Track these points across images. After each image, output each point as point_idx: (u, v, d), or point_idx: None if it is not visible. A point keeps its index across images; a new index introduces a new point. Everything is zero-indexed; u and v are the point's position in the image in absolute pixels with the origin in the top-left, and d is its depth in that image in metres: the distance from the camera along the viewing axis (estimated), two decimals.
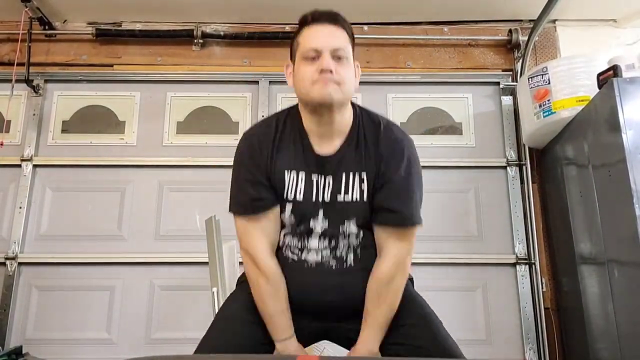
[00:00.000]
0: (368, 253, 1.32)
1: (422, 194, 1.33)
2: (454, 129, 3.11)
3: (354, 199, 1.30)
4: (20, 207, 2.89)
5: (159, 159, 3.00)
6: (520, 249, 2.88)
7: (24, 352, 2.57)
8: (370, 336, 1.26)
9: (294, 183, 1.31)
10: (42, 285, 2.83)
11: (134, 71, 3.12)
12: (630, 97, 2.12)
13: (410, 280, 1.44)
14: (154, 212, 2.93)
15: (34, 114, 3.04)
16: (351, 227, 1.30)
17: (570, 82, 2.58)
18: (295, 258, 1.32)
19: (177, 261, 2.84)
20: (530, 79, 2.73)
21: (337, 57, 1.25)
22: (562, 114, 2.57)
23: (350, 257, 1.31)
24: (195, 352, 1.23)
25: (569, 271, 2.64)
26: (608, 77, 2.22)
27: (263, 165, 1.31)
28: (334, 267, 1.30)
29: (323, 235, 1.30)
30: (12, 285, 2.79)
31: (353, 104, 1.37)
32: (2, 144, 2.80)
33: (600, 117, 2.28)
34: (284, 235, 1.35)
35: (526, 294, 2.83)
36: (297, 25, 1.33)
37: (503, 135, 3.07)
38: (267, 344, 1.29)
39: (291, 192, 1.30)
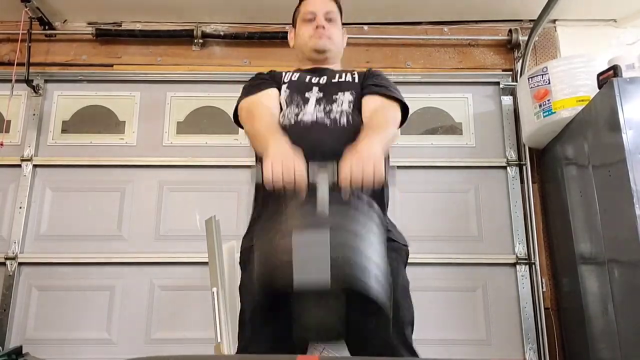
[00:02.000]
0: (359, 120, 1.45)
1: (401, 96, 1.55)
2: (454, 129, 3.11)
3: (347, 80, 1.55)
4: (20, 207, 2.89)
5: (159, 159, 3.00)
6: (520, 249, 2.88)
7: (24, 352, 2.57)
8: (366, 135, 1.28)
9: (289, 75, 1.57)
10: (42, 285, 2.83)
11: (134, 71, 3.12)
12: (630, 97, 2.12)
13: (406, 246, 1.45)
14: (154, 212, 2.93)
15: (34, 114, 3.04)
16: (344, 96, 1.49)
17: (570, 82, 2.58)
18: (292, 122, 1.45)
19: (177, 261, 2.84)
20: (530, 79, 2.73)
21: (328, 18, 1.58)
22: (562, 114, 2.57)
23: (344, 119, 1.44)
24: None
25: (569, 271, 2.64)
26: (608, 77, 2.22)
27: (268, 80, 1.55)
28: (328, 124, 1.43)
29: (318, 102, 1.47)
30: (12, 285, 2.79)
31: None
32: (2, 144, 2.80)
33: (600, 117, 2.28)
34: (283, 110, 1.49)
35: (526, 294, 2.83)
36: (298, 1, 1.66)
37: (503, 135, 3.07)
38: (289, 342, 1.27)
39: (287, 78, 1.55)
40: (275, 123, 1.39)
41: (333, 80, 1.53)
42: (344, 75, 1.56)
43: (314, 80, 1.53)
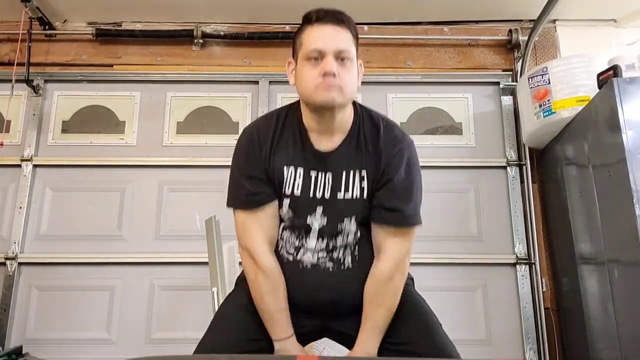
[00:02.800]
0: (365, 255, 1.32)
1: (422, 194, 1.33)
2: (454, 129, 3.11)
3: (354, 197, 1.29)
4: (20, 207, 2.89)
5: (159, 159, 3.00)
6: (520, 249, 2.88)
7: (24, 352, 2.57)
8: (368, 338, 1.26)
9: (292, 178, 1.30)
10: (42, 285, 2.83)
11: (134, 71, 3.12)
12: (630, 97, 2.12)
13: (411, 279, 1.44)
14: (154, 212, 2.93)
15: (34, 114, 3.04)
16: (350, 225, 1.30)
17: (570, 82, 2.58)
18: (291, 258, 1.32)
19: (177, 261, 2.84)
20: (530, 79, 2.73)
21: (340, 58, 1.23)
22: (562, 114, 2.57)
23: (348, 259, 1.30)
24: (194, 352, 1.23)
25: (569, 271, 2.64)
26: (608, 77, 2.22)
27: (262, 160, 1.30)
28: (330, 269, 1.30)
29: (321, 234, 1.30)
30: (12, 285, 2.79)
31: (354, 103, 1.37)
32: (2, 144, 2.80)
33: (600, 117, 2.28)
34: (282, 232, 1.34)
35: (526, 294, 2.83)
36: (301, 22, 1.31)
37: (503, 135, 3.07)
38: (264, 343, 1.28)
39: (289, 187, 1.30)
40: (282, 309, 1.29)
41: (339, 197, 1.29)
42: (351, 175, 1.30)
43: (318, 191, 1.30)
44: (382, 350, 1.27)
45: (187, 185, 2.97)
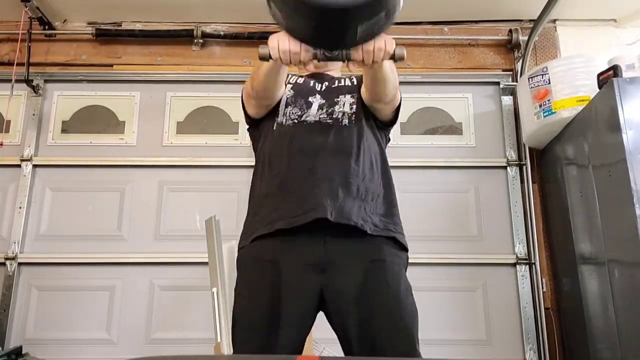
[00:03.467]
0: (360, 119, 1.48)
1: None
2: (454, 129, 3.11)
3: (346, 84, 1.56)
4: (20, 207, 2.89)
5: (159, 159, 3.00)
6: (520, 249, 2.88)
7: (23, 352, 2.57)
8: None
9: (294, 77, 1.59)
10: (42, 285, 2.83)
11: (134, 71, 3.12)
12: (631, 97, 2.12)
13: (406, 254, 1.45)
14: (154, 212, 2.93)
15: (33, 114, 3.04)
16: (345, 98, 1.51)
17: (570, 82, 2.58)
18: (295, 121, 1.47)
19: (177, 261, 2.84)
20: (530, 79, 2.73)
21: None
22: (562, 114, 2.57)
23: (345, 120, 1.47)
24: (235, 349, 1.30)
25: (569, 271, 2.64)
26: (608, 77, 2.22)
27: None
28: (330, 123, 1.46)
29: (320, 107, 1.49)
30: (12, 285, 2.79)
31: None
32: (2, 144, 2.80)
33: (600, 117, 2.28)
34: (285, 108, 1.50)
35: (526, 294, 2.82)
36: None
37: (503, 135, 3.07)
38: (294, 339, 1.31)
39: (292, 80, 1.57)
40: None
41: (333, 86, 1.56)
42: (343, 80, 1.59)
43: (317, 86, 1.55)
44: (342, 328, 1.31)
45: (187, 185, 2.97)
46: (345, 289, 1.31)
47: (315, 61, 1.47)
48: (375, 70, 1.35)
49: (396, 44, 1.27)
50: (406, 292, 1.35)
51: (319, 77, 1.60)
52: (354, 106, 1.50)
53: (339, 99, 1.51)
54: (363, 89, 1.49)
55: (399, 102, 1.53)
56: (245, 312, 1.34)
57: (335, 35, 1.10)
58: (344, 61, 1.27)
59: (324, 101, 1.50)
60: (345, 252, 1.33)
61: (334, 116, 1.47)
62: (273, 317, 1.28)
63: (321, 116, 1.47)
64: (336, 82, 1.58)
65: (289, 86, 1.54)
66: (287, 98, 1.51)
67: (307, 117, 1.47)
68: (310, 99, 1.51)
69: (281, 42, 1.24)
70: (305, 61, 1.25)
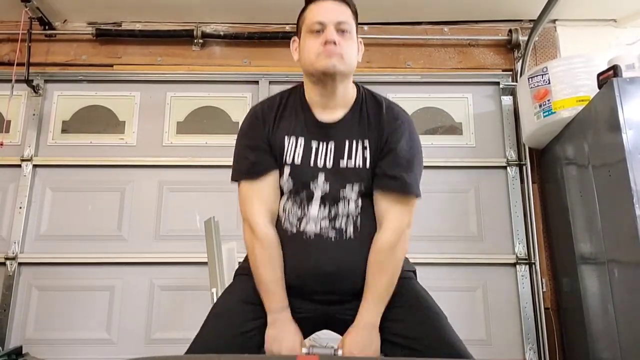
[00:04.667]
0: (367, 225, 1.32)
1: (421, 169, 1.37)
2: (454, 129, 3.11)
3: (357, 165, 1.32)
4: (20, 207, 2.89)
5: (159, 159, 3.00)
6: (520, 249, 2.88)
7: (24, 352, 2.58)
8: (369, 308, 1.27)
9: (293, 147, 1.34)
10: (42, 285, 2.83)
11: (134, 71, 3.13)
12: (630, 97, 2.12)
13: (413, 272, 1.44)
14: (154, 212, 2.93)
15: (34, 114, 3.05)
16: (352, 192, 1.32)
17: (570, 82, 2.58)
18: (294, 230, 1.32)
19: (177, 261, 2.84)
20: (530, 79, 2.73)
21: (340, 30, 1.29)
22: (562, 114, 2.57)
23: (350, 228, 1.31)
24: (190, 347, 1.24)
25: (569, 271, 2.64)
26: (608, 77, 2.22)
27: (264, 133, 1.35)
28: (332, 238, 1.29)
29: (323, 201, 1.31)
30: (12, 285, 2.79)
31: (357, 84, 1.41)
32: (2, 144, 2.80)
33: (600, 117, 2.28)
34: (284, 204, 1.35)
35: (526, 294, 2.83)
36: (304, 3, 1.38)
37: (503, 135, 3.07)
38: (258, 337, 1.28)
39: (289, 156, 1.33)
40: (277, 280, 1.30)
41: (341, 164, 1.32)
42: (353, 144, 1.33)
43: (320, 159, 1.32)
44: (383, 339, 1.27)
45: (187, 185, 2.97)
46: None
47: (323, 76, 1.30)
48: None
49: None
50: (426, 293, 1.37)
51: (324, 128, 1.35)
52: (360, 202, 1.32)
53: (345, 192, 1.31)
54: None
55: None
56: (222, 306, 1.36)
57: None
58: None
59: (327, 188, 1.31)
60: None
61: (337, 225, 1.30)
62: (250, 313, 1.29)
63: (322, 223, 1.30)
64: (345, 144, 1.33)
65: (288, 169, 1.33)
66: (286, 191, 1.34)
67: (306, 224, 1.31)
68: (311, 186, 1.31)
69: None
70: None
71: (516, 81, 3.06)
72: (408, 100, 3.12)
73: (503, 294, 2.84)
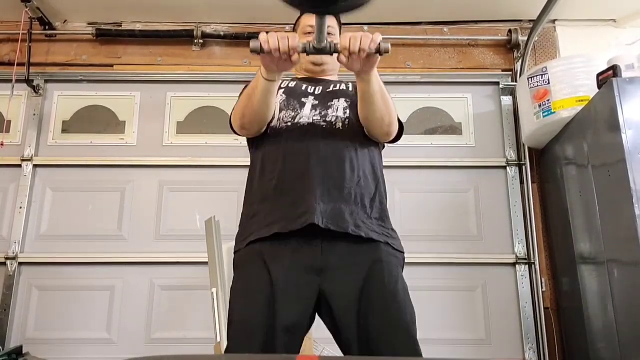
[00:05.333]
0: (354, 123, 1.47)
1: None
2: (454, 129, 3.11)
3: (341, 88, 1.56)
4: (21, 207, 2.89)
5: (159, 159, 3.00)
6: (520, 249, 2.88)
7: (24, 352, 2.57)
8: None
9: (286, 82, 1.58)
10: (42, 285, 2.83)
11: (134, 71, 3.13)
12: (630, 97, 2.12)
13: (403, 259, 1.45)
14: (154, 212, 2.93)
15: (34, 114, 3.05)
16: (339, 102, 1.51)
17: (570, 82, 2.58)
18: (289, 124, 1.46)
19: (177, 261, 2.84)
20: (530, 79, 2.73)
21: (328, 33, 1.38)
22: (562, 114, 2.58)
23: (339, 124, 1.47)
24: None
25: (569, 271, 2.64)
26: (608, 77, 2.23)
27: None
28: (324, 126, 1.45)
29: (314, 108, 1.49)
30: (12, 285, 2.79)
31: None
32: (2, 144, 2.80)
33: (600, 117, 2.28)
34: (278, 113, 1.49)
35: (526, 294, 2.83)
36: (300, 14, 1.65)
37: (503, 135, 3.07)
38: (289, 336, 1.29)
39: (283, 84, 1.56)
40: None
41: (328, 90, 1.54)
42: (339, 85, 1.58)
43: (310, 89, 1.54)
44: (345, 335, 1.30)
45: (187, 185, 2.97)
46: (344, 290, 1.31)
47: (311, 65, 1.60)
48: (364, 85, 1.37)
49: (391, 44, 1.29)
50: (404, 292, 1.35)
51: (313, 81, 1.59)
52: (348, 111, 1.49)
53: (332, 103, 1.50)
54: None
55: (394, 132, 1.50)
56: (241, 313, 1.33)
57: None
58: (331, 54, 1.29)
59: (317, 102, 1.50)
60: (342, 255, 1.33)
61: (328, 119, 1.46)
62: (269, 319, 1.28)
63: (314, 118, 1.46)
64: (331, 86, 1.56)
65: (281, 91, 1.53)
66: (279, 104, 1.50)
67: (300, 118, 1.46)
68: (303, 99, 1.51)
69: (271, 34, 1.25)
70: (294, 48, 1.25)
71: (516, 81, 3.06)
72: (408, 101, 3.12)
73: (503, 294, 2.84)
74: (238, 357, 1.20)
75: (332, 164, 1.39)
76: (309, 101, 1.50)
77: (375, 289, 1.31)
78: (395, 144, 1.60)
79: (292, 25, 1.70)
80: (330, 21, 1.54)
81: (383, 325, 1.28)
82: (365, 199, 1.40)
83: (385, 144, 1.61)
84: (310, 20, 1.55)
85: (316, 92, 1.53)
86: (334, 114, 1.48)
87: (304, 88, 1.55)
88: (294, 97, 1.51)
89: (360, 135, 1.47)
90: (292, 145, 1.42)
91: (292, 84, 1.57)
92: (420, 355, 1.28)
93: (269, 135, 1.47)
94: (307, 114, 1.47)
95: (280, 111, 1.49)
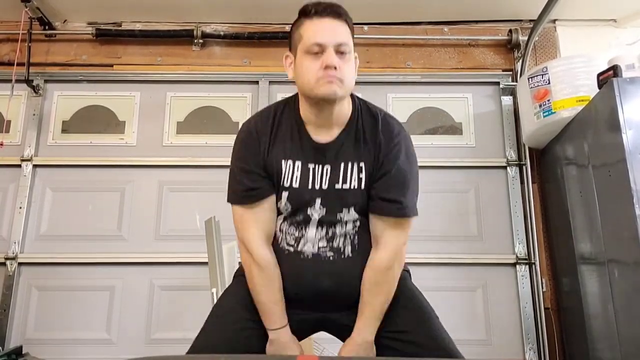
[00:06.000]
0: (364, 244, 1.33)
1: (418, 187, 1.35)
2: (454, 129, 3.11)
3: (352, 187, 1.30)
4: (20, 207, 2.89)
5: (159, 159, 3.00)
6: (520, 249, 2.88)
7: (24, 352, 2.57)
8: (366, 326, 1.28)
9: (290, 171, 1.31)
10: (42, 285, 2.83)
11: (134, 71, 3.13)
12: (630, 97, 2.12)
13: (408, 272, 1.45)
14: (154, 212, 2.93)
15: (34, 114, 3.05)
16: (349, 214, 1.31)
17: (570, 82, 2.58)
18: (292, 249, 1.32)
19: (177, 261, 2.84)
20: (530, 79, 2.73)
21: (340, 52, 1.24)
22: (562, 114, 2.57)
23: (348, 248, 1.32)
24: (191, 348, 1.25)
25: (569, 271, 2.64)
26: (608, 77, 2.22)
27: (260, 155, 1.32)
28: (330, 257, 1.31)
29: (320, 224, 1.31)
30: (12, 285, 2.79)
31: (352, 95, 1.37)
32: (2, 144, 2.80)
33: (600, 117, 2.28)
34: (281, 224, 1.35)
35: (526, 294, 2.83)
36: (298, 15, 1.33)
37: (503, 135, 3.07)
38: (261, 339, 1.30)
39: (287, 181, 1.31)
40: (277, 300, 1.30)
41: (336, 186, 1.30)
42: (349, 168, 1.31)
43: (317, 181, 1.31)
44: (377, 340, 1.29)
45: (187, 185, 2.97)
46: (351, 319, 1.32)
47: (322, 101, 1.27)
48: None
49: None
50: (421, 296, 1.39)
51: (320, 149, 1.32)
52: (358, 223, 1.33)
53: (342, 214, 1.31)
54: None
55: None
56: (222, 308, 1.37)
57: None
58: None
59: (324, 212, 1.31)
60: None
61: (335, 244, 1.31)
62: (250, 313, 1.31)
63: (320, 244, 1.31)
64: (341, 168, 1.31)
65: (286, 194, 1.31)
66: (284, 215, 1.34)
67: (304, 244, 1.31)
68: (308, 210, 1.31)
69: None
70: None
71: (516, 81, 3.06)
72: (408, 100, 3.12)
73: (503, 294, 2.84)
74: (238, 357, 1.20)
75: (341, 294, 1.33)
76: (315, 214, 1.31)
77: (393, 305, 1.32)
78: None
79: (290, 26, 1.44)
80: (343, 36, 1.26)
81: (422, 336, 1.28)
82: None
83: None
84: (315, 36, 1.24)
85: (323, 187, 1.31)
86: (342, 230, 1.32)
87: (310, 182, 1.31)
88: (298, 207, 1.32)
89: (368, 243, 1.34)
90: (296, 274, 1.32)
91: (297, 177, 1.31)
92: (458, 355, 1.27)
93: (274, 249, 1.36)
94: (312, 237, 1.31)
95: (284, 220, 1.34)
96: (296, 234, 1.33)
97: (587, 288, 2.46)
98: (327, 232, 1.31)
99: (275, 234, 1.36)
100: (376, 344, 1.29)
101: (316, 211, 1.31)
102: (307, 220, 1.32)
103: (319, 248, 1.31)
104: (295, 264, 1.31)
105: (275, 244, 1.35)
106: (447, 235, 2.91)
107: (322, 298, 1.32)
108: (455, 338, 1.31)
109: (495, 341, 2.78)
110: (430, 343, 1.24)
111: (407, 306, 1.32)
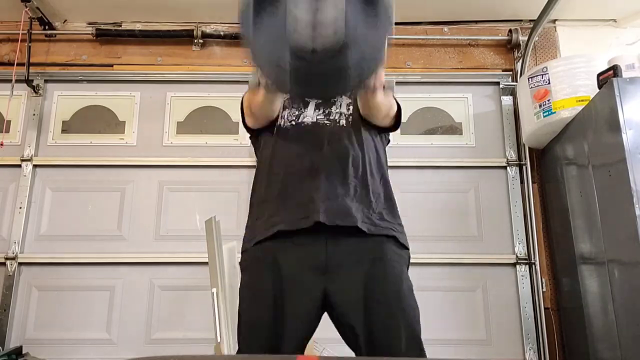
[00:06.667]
0: (357, 120, 1.48)
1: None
2: (454, 129, 3.11)
3: None
4: (20, 207, 2.89)
5: (159, 159, 3.00)
6: (520, 249, 2.88)
7: (24, 352, 2.57)
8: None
9: None
10: (42, 285, 2.83)
11: (134, 71, 3.12)
12: (630, 97, 2.12)
13: (408, 257, 1.45)
14: (154, 212, 2.93)
15: (34, 114, 3.05)
16: (342, 99, 1.51)
17: (570, 82, 2.58)
18: (293, 122, 1.47)
19: (177, 261, 2.84)
20: (530, 79, 2.73)
21: None
22: (562, 114, 2.58)
23: (343, 120, 1.47)
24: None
25: (569, 271, 2.64)
26: (608, 77, 2.22)
27: None
28: (327, 124, 1.46)
29: (317, 107, 1.49)
30: (12, 285, 2.79)
31: None
32: (2, 144, 2.80)
33: (600, 117, 2.28)
34: (282, 112, 1.49)
35: (526, 294, 2.83)
36: None
37: (503, 135, 3.07)
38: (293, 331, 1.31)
39: None
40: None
41: None
42: None
43: None
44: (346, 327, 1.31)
45: (187, 185, 2.97)
46: (348, 289, 1.32)
47: None
48: (368, 99, 1.37)
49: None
50: (408, 291, 1.35)
51: None
52: (351, 107, 1.50)
53: (335, 99, 1.50)
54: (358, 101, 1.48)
55: (394, 115, 1.49)
56: (249, 313, 1.35)
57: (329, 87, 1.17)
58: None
59: (320, 100, 1.50)
60: (347, 253, 1.34)
61: (331, 117, 1.47)
62: (276, 318, 1.29)
63: (318, 117, 1.47)
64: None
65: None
66: (283, 101, 1.50)
67: (304, 117, 1.47)
68: (306, 98, 1.50)
69: None
70: None
71: (516, 81, 3.06)
72: (408, 101, 3.11)
73: (503, 294, 2.84)
74: (239, 358, 1.20)
75: (336, 163, 1.40)
76: (312, 99, 1.49)
77: (380, 289, 1.31)
78: (396, 144, 1.60)
79: None
80: None
81: (387, 326, 1.28)
82: (371, 195, 1.40)
83: (389, 140, 1.62)
84: None
85: None
86: (338, 110, 1.48)
87: None
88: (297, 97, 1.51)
89: (363, 131, 1.47)
90: (296, 146, 1.42)
91: None
92: (424, 356, 1.28)
93: (274, 136, 1.47)
94: (311, 114, 1.47)
95: (284, 109, 1.49)
96: (296, 113, 1.49)
97: (587, 288, 2.46)
98: (324, 111, 1.48)
99: (276, 119, 1.48)
100: (336, 311, 1.31)
101: (313, 100, 1.49)
102: (305, 104, 1.49)
103: (317, 118, 1.47)
104: (297, 131, 1.45)
105: (277, 121, 1.48)
106: (447, 235, 2.91)
107: (320, 166, 1.38)
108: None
109: (495, 341, 2.78)
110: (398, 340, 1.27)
111: (390, 304, 1.32)
